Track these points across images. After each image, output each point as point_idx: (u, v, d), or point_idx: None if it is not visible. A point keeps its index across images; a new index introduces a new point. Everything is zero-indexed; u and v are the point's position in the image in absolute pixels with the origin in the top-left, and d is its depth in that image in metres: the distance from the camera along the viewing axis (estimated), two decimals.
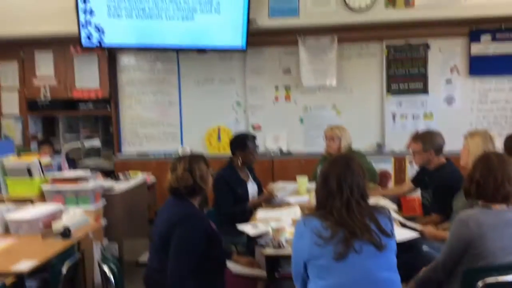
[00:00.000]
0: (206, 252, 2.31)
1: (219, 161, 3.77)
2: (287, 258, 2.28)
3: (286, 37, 5.56)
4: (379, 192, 3.85)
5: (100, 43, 4.99)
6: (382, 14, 5.05)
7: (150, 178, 4.93)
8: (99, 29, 4.95)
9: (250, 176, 3.84)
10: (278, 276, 2.45)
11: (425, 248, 2.76)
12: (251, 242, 3.05)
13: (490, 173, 2.17)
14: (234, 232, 3.31)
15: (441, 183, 3.19)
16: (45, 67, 5.80)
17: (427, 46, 5.43)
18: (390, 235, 1.86)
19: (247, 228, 2.90)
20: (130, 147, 6.01)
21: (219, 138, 5.86)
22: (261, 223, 2.95)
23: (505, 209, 2.17)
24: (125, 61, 5.92)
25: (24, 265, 2.20)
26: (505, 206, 2.18)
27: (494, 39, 5.26)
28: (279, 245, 2.45)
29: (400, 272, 1.92)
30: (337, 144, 4.04)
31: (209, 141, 5.86)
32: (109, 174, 4.80)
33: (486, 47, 5.28)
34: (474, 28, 5.28)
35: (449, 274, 2.19)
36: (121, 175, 4.62)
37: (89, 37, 4.93)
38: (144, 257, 2.40)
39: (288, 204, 3.50)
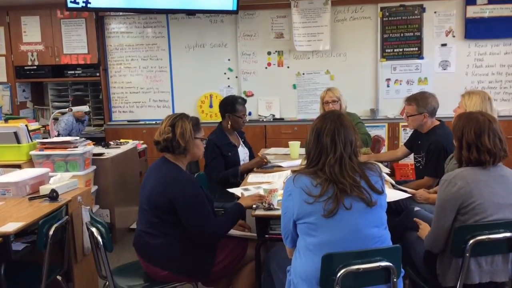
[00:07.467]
0: None
1: (211, 128, 3.72)
2: (278, 219, 2.25)
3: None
4: (372, 157, 3.80)
5: (86, 4, 4.81)
6: None
7: (141, 145, 4.87)
8: None
9: (241, 141, 3.79)
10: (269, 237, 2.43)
11: (416, 208, 2.74)
12: None
13: (481, 136, 2.08)
14: (225, 197, 3.28)
15: (433, 144, 3.15)
16: (32, 32, 5.67)
17: (422, 9, 5.31)
18: (380, 191, 1.84)
19: (238, 191, 2.87)
20: (120, 114, 5.93)
21: (211, 105, 5.79)
22: (252, 186, 2.92)
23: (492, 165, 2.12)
24: (114, 26, 5.78)
25: (10, 227, 2.17)
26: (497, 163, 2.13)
27: (490, 1, 5.15)
28: (270, 207, 2.42)
29: (391, 233, 1.90)
30: (339, 106, 3.90)
31: (201, 108, 5.79)
32: (100, 141, 4.74)
33: (481, 9, 5.18)
34: None
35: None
36: (111, 143, 4.56)
37: None
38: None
39: (280, 168, 3.46)
